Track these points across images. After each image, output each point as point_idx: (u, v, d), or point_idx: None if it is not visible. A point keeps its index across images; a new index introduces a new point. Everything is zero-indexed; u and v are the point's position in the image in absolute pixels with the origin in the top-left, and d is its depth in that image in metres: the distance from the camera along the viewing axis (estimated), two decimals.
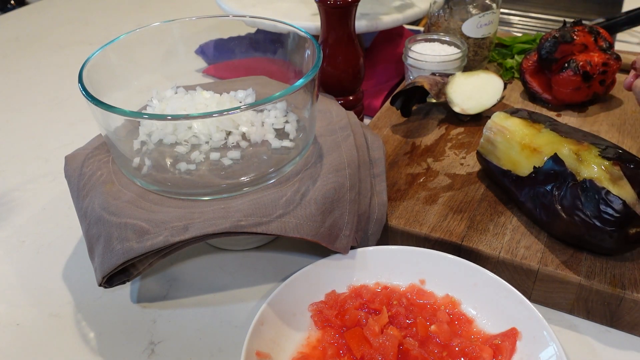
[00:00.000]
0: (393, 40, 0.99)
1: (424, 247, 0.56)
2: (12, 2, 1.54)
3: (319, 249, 0.56)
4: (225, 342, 0.53)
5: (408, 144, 0.72)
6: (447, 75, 0.75)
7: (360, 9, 0.84)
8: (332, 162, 0.57)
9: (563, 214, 0.53)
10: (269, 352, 0.47)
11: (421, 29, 1.20)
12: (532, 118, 0.60)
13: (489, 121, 0.62)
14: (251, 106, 0.54)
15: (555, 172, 0.54)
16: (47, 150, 0.84)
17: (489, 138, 0.61)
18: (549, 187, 0.54)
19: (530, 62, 0.81)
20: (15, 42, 1.23)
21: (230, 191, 0.54)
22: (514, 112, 0.61)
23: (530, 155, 0.57)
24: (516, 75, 0.87)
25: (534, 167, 0.56)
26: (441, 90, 0.74)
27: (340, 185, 0.55)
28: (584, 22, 0.79)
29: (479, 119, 0.76)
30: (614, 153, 0.53)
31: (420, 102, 0.79)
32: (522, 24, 1.50)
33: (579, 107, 0.79)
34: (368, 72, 0.92)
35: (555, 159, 0.54)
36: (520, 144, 0.58)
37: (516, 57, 0.90)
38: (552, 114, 0.78)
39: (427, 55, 0.78)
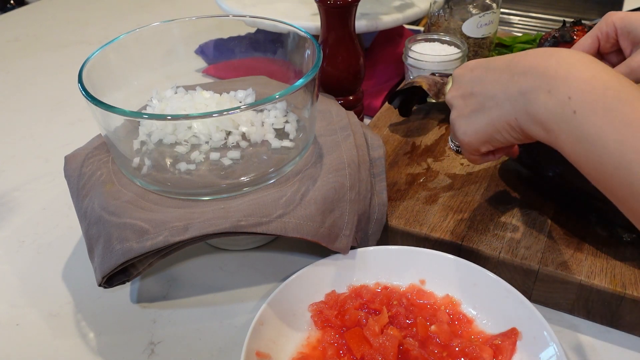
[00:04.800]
0: (393, 40, 0.99)
1: (424, 247, 0.56)
2: (12, 2, 1.54)
3: (319, 249, 0.56)
4: (225, 342, 0.53)
5: (408, 144, 0.72)
6: (447, 75, 0.75)
7: (360, 9, 0.84)
8: (332, 162, 0.57)
9: None
10: (269, 352, 0.47)
11: (421, 29, 1.20)
12: None
13: None
14: (251, 106, 0.54)
15: None
16: (47, 150, 0.84)
17: None
18: None
19: None
20: (15, 42, 1.23)
21: (230, 191, 0.54)
22: None
23: None
24: None
25: None
26: (440, 91, 0.73)
27: (340, 185, 0.55)
28: (583, 22, 0.79)
29: None
30: None
31: (421, 103, 0.79)
32: (522, 24, 1.50)
33: None
34: (368, 72, 0.92)
35: None
36: None
37: None
38: None
39: (427, 55, 0.78)
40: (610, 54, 0.59)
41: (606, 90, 0.37)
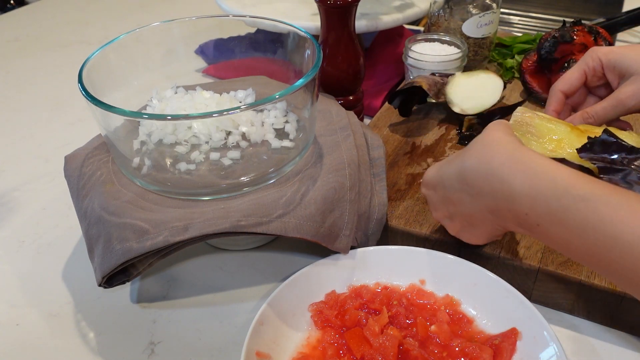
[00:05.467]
0: (393, 40, 0.99)
1: (424, 247, 0.56)
2: (12, 2, 1.54)
3: (319, 249, 0.56)
4: (225, 342, 0.53)
5: (408, 144, 0.72)
6: (447, 75, 0.75)
7: (360, 9, 0.84)
8: (332, 162, 0.57)
9: None
10: (269, 352, 0.47)
11: (421, 29, 1.20)
12: None
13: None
14: (251, 106, 0.54)
15: (611, 142, 0.53)
16: (47, 150, 0.84)
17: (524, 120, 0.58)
18: (615, 156, 0.53)
19: (530, 62, 0.81)
20: (15, 42, 1.23)
21: (230, 191, 0.54)
22: None
23: (580, 134, 0.56)
24: (516, 75, 0.87)
25: (589, 138, 0.54)
26: (440, 91, 0.74)
27: (340, 185, 0.55)
28: (583, 22, 0.79)
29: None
30: None
31: (421, 103, 0.79)
32: (522, 24, 1.50)
33: None
34: (368, 72, 0.92)
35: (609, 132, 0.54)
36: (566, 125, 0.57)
37: (516, 57, 0.90)
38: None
39: (427, 55, 0.78)
40: (599, 87, 0.61)
41: (549, 203, 0.40)
